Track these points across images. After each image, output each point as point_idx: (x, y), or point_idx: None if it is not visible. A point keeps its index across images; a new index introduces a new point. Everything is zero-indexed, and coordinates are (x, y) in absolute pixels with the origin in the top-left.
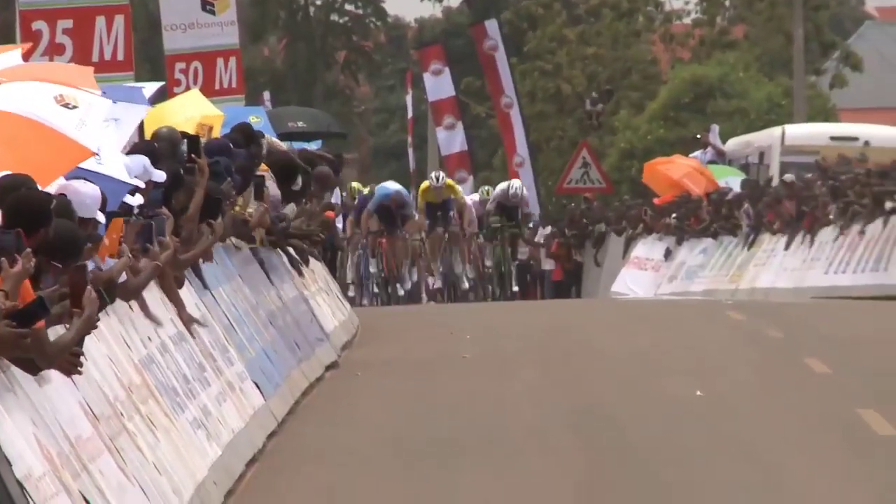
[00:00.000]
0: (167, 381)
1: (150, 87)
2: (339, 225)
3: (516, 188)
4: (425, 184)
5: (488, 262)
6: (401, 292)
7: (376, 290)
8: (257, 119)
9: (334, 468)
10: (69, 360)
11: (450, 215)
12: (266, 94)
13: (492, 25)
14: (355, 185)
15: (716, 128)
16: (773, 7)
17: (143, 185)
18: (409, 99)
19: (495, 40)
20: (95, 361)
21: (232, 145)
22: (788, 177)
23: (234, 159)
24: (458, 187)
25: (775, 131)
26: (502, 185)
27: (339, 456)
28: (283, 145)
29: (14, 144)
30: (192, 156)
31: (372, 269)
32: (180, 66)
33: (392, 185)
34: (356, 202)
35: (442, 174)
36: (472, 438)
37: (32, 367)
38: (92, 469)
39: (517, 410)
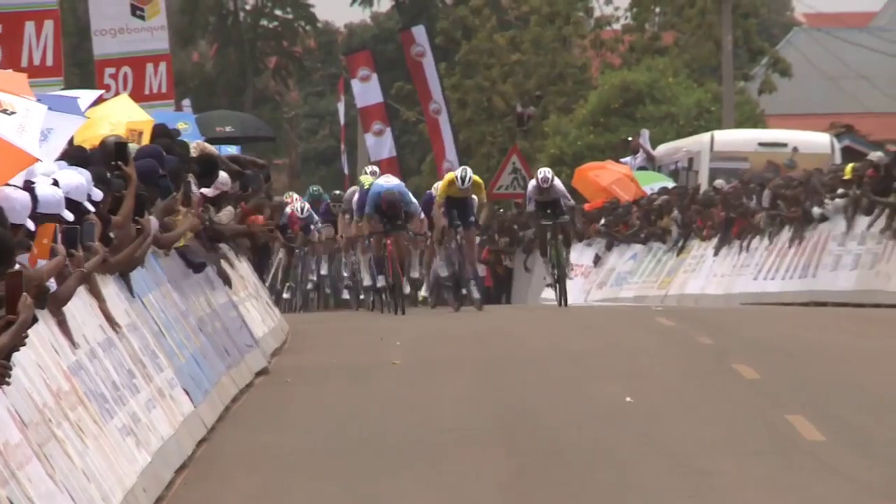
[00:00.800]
0: (96, 388)
1: (86, 97)
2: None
3: (545, 171)
4: (450, 176)
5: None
6: (407, 289)
7: (362, 296)
8: (185, 125)
9: (263, 475)
10: None
11: (470, 218)
12: (186, 101)
13: (419, 32)
14: (364, 179)
15: (646, 132)
16: (702, 14)
17: (92, 208)
18: (340, 105)
19: (423, 47)
20: (24, 368)
21: (163, 150)
22: (719, 182)
23: (165, 165)
24: (483, 187)
25: (704, 137)
26: (532, 182)
27: (268, 462)
28: (215, 150)
29: None
30: (119, 163)
31: (367, 282)
32: (110, 71)
33: (386, 183)
34: (356, 199)
35: (469, 172)
36: (401, 445)
37: None
38: (20, 476)
39: (447, 415)
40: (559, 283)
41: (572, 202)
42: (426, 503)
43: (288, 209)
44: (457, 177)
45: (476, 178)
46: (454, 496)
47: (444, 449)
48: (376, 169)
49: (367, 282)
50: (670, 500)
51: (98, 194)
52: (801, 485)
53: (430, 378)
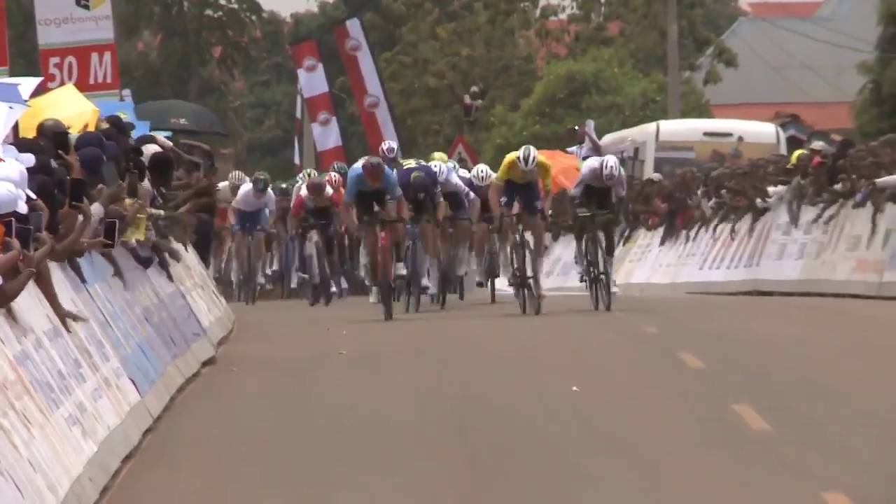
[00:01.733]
0: (42, 378)
1: (27, 84)
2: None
3: (612, 166)
4: (511, 157)
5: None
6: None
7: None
8: (124, 115)
9: (210, 464)
10: None
11: (535, 204)
12: (126, 91)
13: (353, 25)
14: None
15: (591, 122)
16: (647, 4)
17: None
18: (299, 98)
19: (357, 40)
20: None
21: (104, 138)
22: (656, 176)
23: (106, 151)
24: (551, 170)
25: (650, 127)
26: (592, 163)
27: (214, 452)
28: (170, 144)
29: None
30: (60, 152)
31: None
32: (55, 60)
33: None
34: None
35: (534, 151)
36: (347, 435)
37: None
38: None
39: (393, 407)
40: (594, 283)
41: (624, 192)
42: (373, 493)
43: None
44: (518, 157)
45: (542, 158)
46: (409, 493)
47: (394, 443)
48: (532, 151)
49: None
50: (618, 491)
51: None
52: (749, 475)
53: (376, 370)
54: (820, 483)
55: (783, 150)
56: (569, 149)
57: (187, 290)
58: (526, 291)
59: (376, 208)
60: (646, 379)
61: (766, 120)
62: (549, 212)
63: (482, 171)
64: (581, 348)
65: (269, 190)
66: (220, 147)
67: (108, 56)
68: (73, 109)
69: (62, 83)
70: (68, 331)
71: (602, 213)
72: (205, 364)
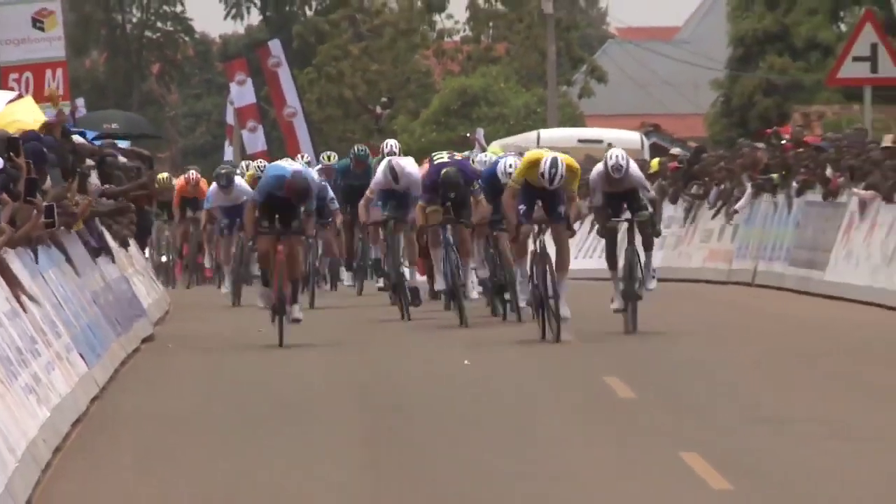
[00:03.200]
0: (1, 352)
1: (2, 97)
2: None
3: (617, 156)
4: (532, 156)
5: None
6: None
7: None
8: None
9: (149, 430)
10: None
11: (559, 209)
12: (80, 101)
13: (275, 45)
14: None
15: (481, 130)
16: (529, 28)
17: None
18: (230, 108)
19: (278, 58)
20: None
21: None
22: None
23: (43, 144)
24: (579, 175)
25: (531, 134)
26: (598, 167)
27: (152, 419)
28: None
29: None
30: (11, 154)
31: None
32: (14, 76)
33: (288, 166)
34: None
35: (560, 163)
36: (264, 403)
37: None
38: None
39: (307, 381)
40: (631, 302)
41: (653, 193)
42: (294, 455)
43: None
44: (542, 173)
45: (570, 160)
46: (323, 454)
47: (308, 413)
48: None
49: (439, 285)
50: (500, 451)
51: None
52: (615, 437)
53: (291, 347)
54: (676, 443)
55: (647, 155)
56: (464, 153)
57: (130, 276)
58: (546, 313)
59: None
60: (526, 353)
61: (632, 129)
62: (579, 219)
63: (510, 166)
64: (472, 328)
65: (239, 180)
66: (157, 151)
67: (60, 72)
68: (31, 117)
69: (20, 96)
70: (25, 311)
71: (637, 216)
72: (144, 341)
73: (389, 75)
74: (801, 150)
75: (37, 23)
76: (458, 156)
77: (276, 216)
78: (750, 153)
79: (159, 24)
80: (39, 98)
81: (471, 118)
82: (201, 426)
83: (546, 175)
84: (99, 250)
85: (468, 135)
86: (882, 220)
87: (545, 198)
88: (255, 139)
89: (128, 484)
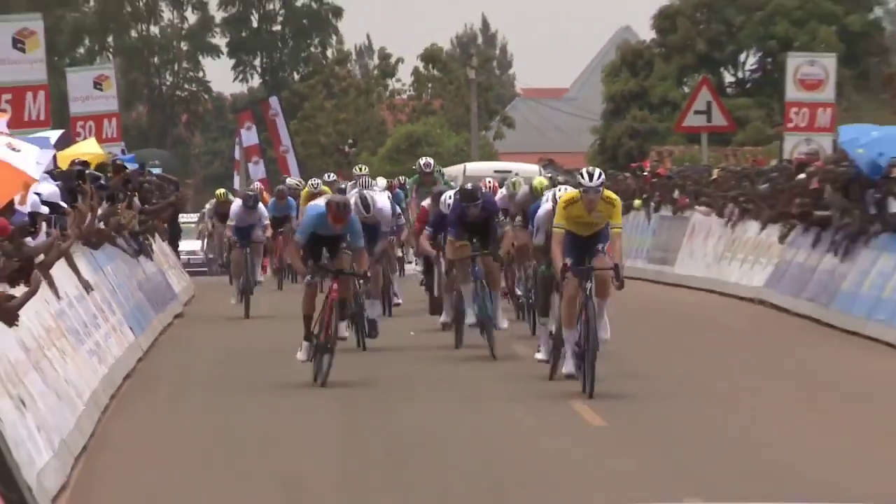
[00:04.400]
0: (72, 325)
1: (53, 135)
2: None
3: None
4: (570, 195)
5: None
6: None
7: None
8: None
9: (180, 384)
10: (12, 317)
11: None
12: (122, 144)
13: (274, 101)
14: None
15: (429, 162)
16: (457, 89)
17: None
18: (237, 147)
19: (276, 110)
20: (26, 313)
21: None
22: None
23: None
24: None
25: (460, 166)
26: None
27: (183, 373)
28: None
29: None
30: (80, 182)
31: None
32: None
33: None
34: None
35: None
36: (273, 365)
37: None
38: (25, 381)
39: (285, 352)
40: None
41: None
42: (290, 402)
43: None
44: (581, 173)
45: (607, 192)
46: (301, 414)
47: (291, 379)
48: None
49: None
50: (445, 416)
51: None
52: (530, 399)
53: (277, 325)
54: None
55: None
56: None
57: (165, 270)
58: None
59: (326, 256)
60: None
61: (533, 163)
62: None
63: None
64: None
65: (260, 205)
66: (185, 178)
67: (41, 95)
68: (92, 153)
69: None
70: (89, 294)
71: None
72: (176, 317)
73: (353, 123)
74: (656, 179)
75: (17, 43)
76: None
77: (324, 253)
78: (622, 181)
79: (186, 86)
80: (19, 123)
81: (416, 155)
82: (220, 381)
83: (584, 173)
84: (139, 251)
85: (414, 167)
86: (714, 230)
87: (588, 247)
88: (258, 170)
89: (164, 421)
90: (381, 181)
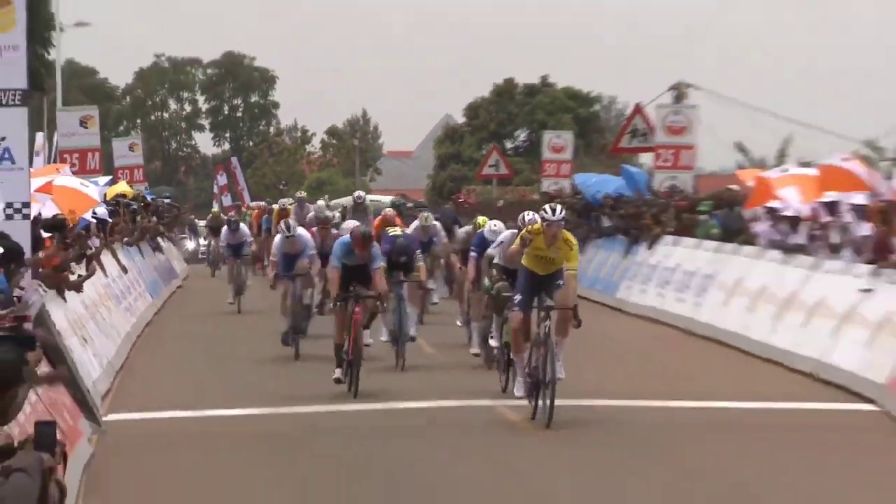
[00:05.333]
0: (116, 291)
1: (104, 179)
2: None
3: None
4: (534, 227)
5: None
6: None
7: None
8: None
9: (181, 328)
10: (79, 288)
11: (558, 282)
12: (146, 184)
13: (234, 159)
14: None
15: (327, 197)
16: (347, 151)
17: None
18: (216, 184)
19: (236, 164)
20: (87, 285)
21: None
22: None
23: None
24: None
25: (350, 198)
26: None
27: (183, 322)
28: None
29: (67, 197)
30: (118, 207)
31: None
32: (66, 156)
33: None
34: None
35: (559, 207)
36: (257, 327)
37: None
38: (86, 327)
39: (255, 314)
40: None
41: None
42: (264, 356)
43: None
44: (544, 208)
45: (567, 234)
46: (269, 374)
47: (266, 355)
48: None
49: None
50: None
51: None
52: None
53: (240, 316)
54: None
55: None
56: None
57: (171, 260)
58: (541, 397)
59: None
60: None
61: (392, 196)
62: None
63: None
64: None
65: (242, 226)
66: (183, 204)
67: (97, 155)
68: (127, 190)
69: (72, 165)
70: (124, 273)
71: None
72: (177, 288)
73: (285, 172)
74: (468, 205)
75: (82, 123)
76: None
77: (352, 283)
78: (448, 208)
79: (184, 149)
80: (83, 171)
81: (323, 191)
82: (210, 326)
83: (548, 209)
84: (156, 248)
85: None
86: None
87: (545, 284)
88: (227, 200)
89: (172, 350)
90: (320, 202)
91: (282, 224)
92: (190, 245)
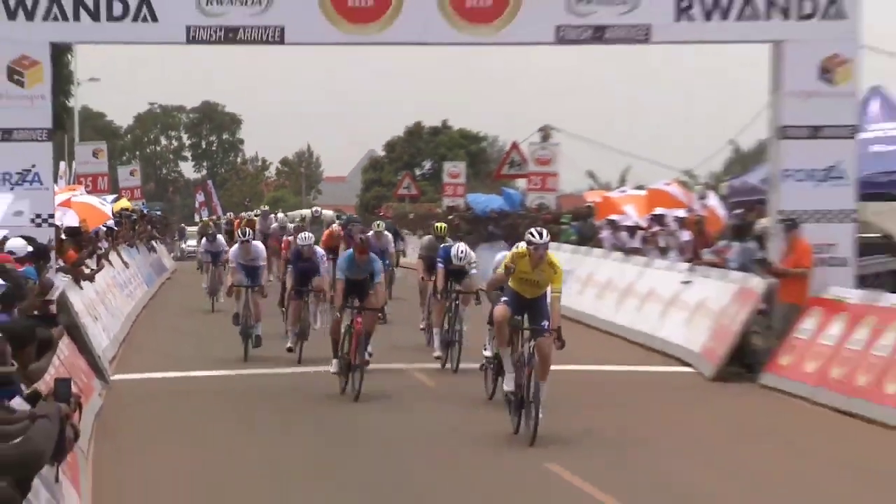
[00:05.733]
0: (121, 280)
1: (110, 198)
2: None
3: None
4: (520, 250)
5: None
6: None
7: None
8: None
9: (172, 308)
10: (91, 279)
11: (544, 322)
12: (143, 201)
13: (210, 182)
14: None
15: (280, 211)
16: (297, 177)
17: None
18: (196, 201)
19: (210, 185)
20: (98, 277)
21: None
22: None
23: (131, 217)
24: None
25: (309, 211)
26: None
27: (173, 304)
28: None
29: (84, 210)
30: (120, 218)
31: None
32: (82, 179)
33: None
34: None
35: (545, 231)
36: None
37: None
38: (97, 308)
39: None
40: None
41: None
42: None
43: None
44: (531, 232)
45: (552, 258)
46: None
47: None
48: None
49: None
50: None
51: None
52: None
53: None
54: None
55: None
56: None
57: (162, 258)
58: (523, 412)
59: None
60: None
61: (332, 210)
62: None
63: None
64: None
65: (219, 237)
66: (171, 216)
67: (106, 178)
68: (128, 205)
69: (86, 186)
70: (126, 267)
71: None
72: (167, 279)
73: (249, 192)
74: (388, 217)
75: (94, 154)
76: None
77: (354, 294)
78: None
79: (172, 175)
80: (95, 191)
81: (278, 206)
82: (195, 308)
83: (534, 232)
84: (151, 248)
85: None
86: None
87: (531, 307)
88: (205, 214)
89: (166, 326)
90: (280, 215)
91: (238, 231)
92: (184, 245)
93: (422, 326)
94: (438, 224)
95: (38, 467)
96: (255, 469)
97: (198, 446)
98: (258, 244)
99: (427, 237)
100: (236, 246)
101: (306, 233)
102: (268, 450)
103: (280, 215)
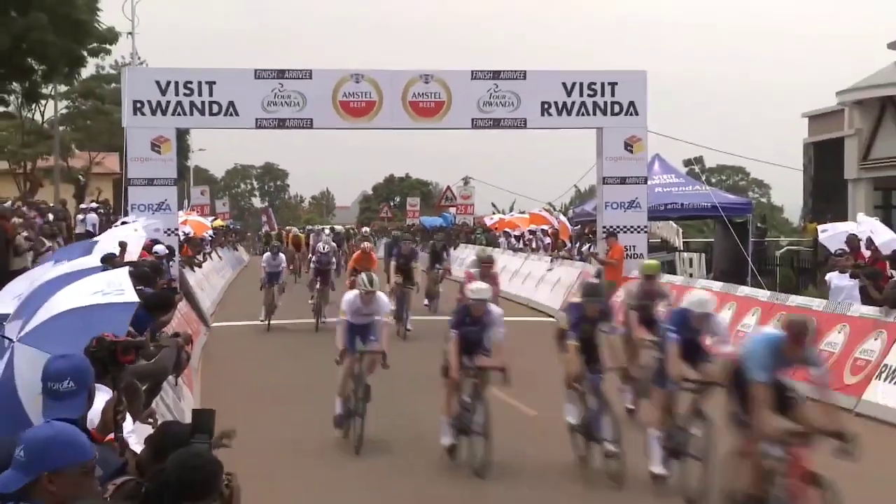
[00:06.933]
0: (216, 267)
1: (211, 218)
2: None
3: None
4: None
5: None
6: None
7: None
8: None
9: (248, 285)
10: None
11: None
12: (231, 220)
13: (269, 209)
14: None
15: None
16: (319, 207)
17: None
18: (262, 221)
19: (270, 212)
20: (205, 266)
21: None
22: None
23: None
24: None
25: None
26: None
27: (248, 282)
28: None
29: (195, 226)
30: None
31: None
32: (197, 208)
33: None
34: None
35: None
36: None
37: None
38: (205, 283)
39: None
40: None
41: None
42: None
43: None
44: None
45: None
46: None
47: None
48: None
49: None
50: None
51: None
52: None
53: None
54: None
55: None
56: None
57: (241, 254)
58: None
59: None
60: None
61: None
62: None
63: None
64: None
65: (281, 254)
66: (245, 231)
67: (208, 207)
68: (221, 223)
69: (197, 211)
70: (220, 259)
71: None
72: (243, 268)
73: (291, 214)
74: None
75: (202, 193)
76: None
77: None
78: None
79: (247, 204)
80: (202, 214)
81: (311, 223)
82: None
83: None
84: (234, 249)
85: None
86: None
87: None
88: (265, 228)
89: (244, 294)
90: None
91: (362, 278)
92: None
93: (425, 302)
94: (394, 231)
95: (164, 377)
96: (303, 382)
97: (264, 368)
98: (381, 296)
99: (386, 239)
100: (353, 295)
101: (373, 275)
102: (310, 368)
103: (325, 233)
